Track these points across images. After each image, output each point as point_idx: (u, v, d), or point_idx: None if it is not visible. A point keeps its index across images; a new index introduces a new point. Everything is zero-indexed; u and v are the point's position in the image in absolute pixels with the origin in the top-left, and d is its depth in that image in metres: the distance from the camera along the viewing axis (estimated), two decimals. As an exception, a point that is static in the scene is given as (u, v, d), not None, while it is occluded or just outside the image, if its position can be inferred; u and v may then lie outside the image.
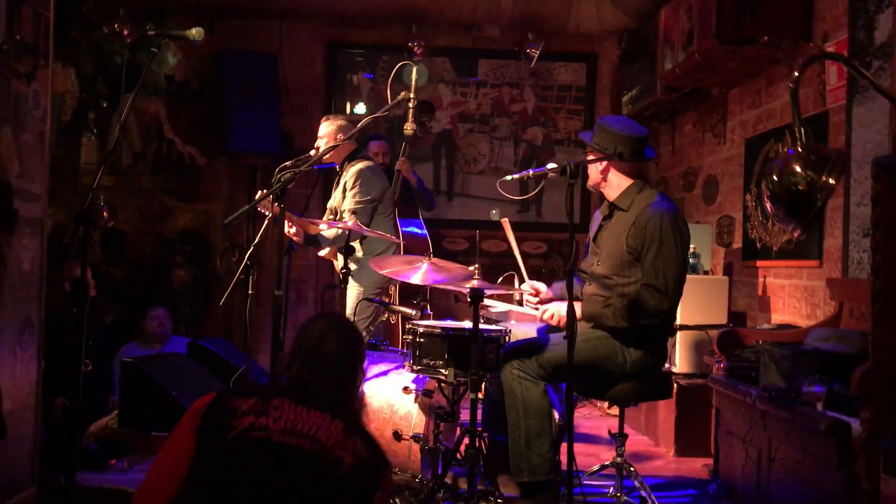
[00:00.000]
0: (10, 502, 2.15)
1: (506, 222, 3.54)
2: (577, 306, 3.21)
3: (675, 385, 4.57)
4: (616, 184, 3.34)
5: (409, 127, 3.18)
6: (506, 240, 3.59)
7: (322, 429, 1.80)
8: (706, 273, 4.95)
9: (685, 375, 4.68)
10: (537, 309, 3.36)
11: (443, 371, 3.28)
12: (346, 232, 4.28)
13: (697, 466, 4.32)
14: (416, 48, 6.59)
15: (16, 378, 2.12)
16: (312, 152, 4.52)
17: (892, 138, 2.70)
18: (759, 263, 4.91)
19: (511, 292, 3.39)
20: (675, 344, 4.75)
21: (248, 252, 4.59)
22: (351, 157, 4.71)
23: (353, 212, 4.38)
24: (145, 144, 6.85)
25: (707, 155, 5.86)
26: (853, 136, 3.96)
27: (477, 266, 3.14)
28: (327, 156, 4.68)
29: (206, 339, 5.99)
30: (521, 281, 3.62)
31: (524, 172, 3.24)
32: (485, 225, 6.80)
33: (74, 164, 6.80)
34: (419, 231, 5.61)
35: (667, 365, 4.69)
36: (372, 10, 6.81)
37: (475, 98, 7.28)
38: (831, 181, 1.98)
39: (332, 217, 4.82)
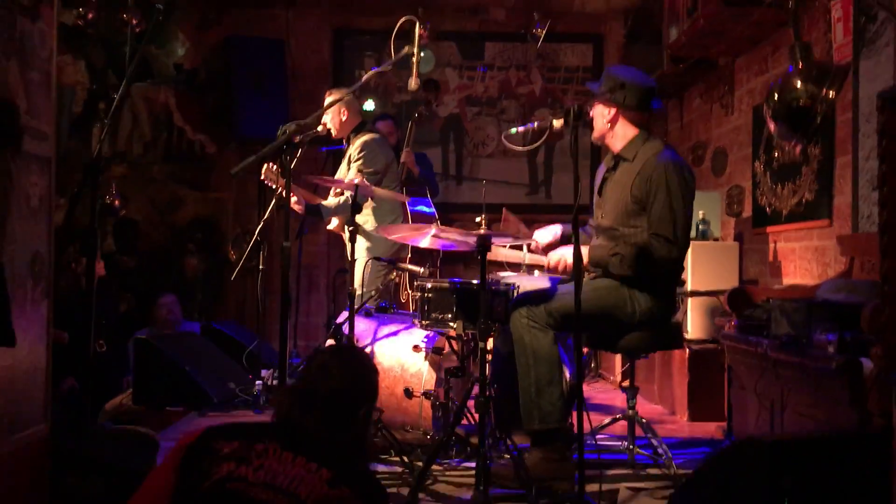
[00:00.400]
0: (23, 435, 2.17)
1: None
2: (584, 251, 3.21)
3: (688, 350, 4.56)
4: (622, 134, 3.34)
5: (413, 82, 3.19)
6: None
7: (304, 482, 1.63)
8: (716, 240, 4.93)
9: (698, 341, 4.66)
10: (545, 258, 3.36)
11: (452, 324, 3.28)
12: (349, 202, 4.32)
13: (711, 429, 4.30)
14: (422, 30, 6.60)
15: (27, 312, 2.14)
16: (319, 128, 4.56)
17: (895, 70, 2.70)
18: (769, 229, 4.90)
19: (518, 241, 3.38)
20: (686, 311, 4.74)
21: (259, 228, 4.63)
22: (357, 131, 4.75)
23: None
24: (156, 133, 6.91)
25: (715, 127, 5.85)
26: (860, 91, 3.93)
27: (483, 216, 3.14)
28: (336, 130, 4.73)
29: (219, 322, 6.05)
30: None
31: (528, 125, 3.26)
32: (495, 208, 6.80)
33: (87, 155, 6.87)
34: (427, 210, 5.63)
35: (676, 318, 4.72)
36: (377, -4, 6.87)
37: (482, 81, 7.30)
38: (832, 94, 1.98)
39: (338, 191, 4.85)
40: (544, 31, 6.81)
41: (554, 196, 7.28)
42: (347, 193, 4.31)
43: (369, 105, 7.22)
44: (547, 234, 3.53)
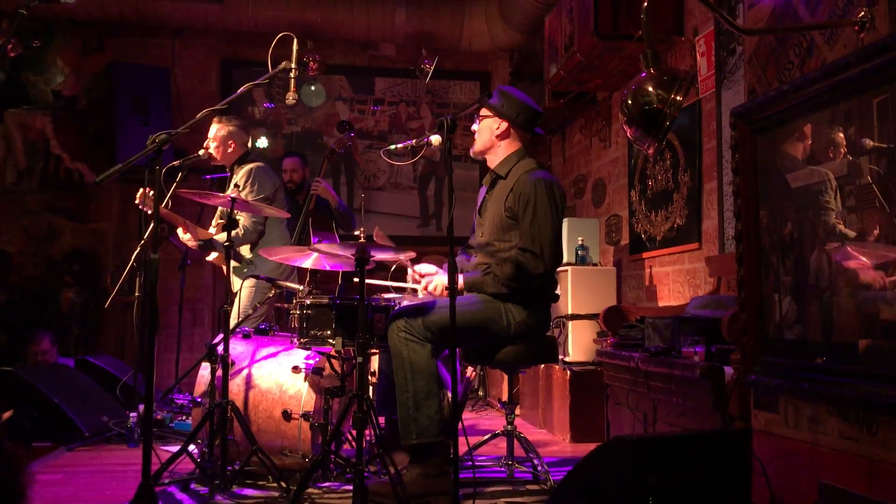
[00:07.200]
0: None
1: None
2: (459, 278, 3.28)
3: (569, 372, 4.65)
4: (503, 150, 3.45)
5: (290, 97, 3.18)
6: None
7: None
8: (595, 265, 5.08)
9: (578, 363, 4.76)
10: (420, 285, 3.40)
11: (331, 341, 3.25)
12: (240, 234, 4.26)
13: (592, 448, 4.36)
14: (311, 62, 6.64)
15: None
16: (201, 152, 4.49)
17: (746, 90, 2.88)
18: (644, 255, 5.08)
19: (399, 258, 3.39)
20: (567, 334, 4.84)
21: (135, 254, 4.47)
22: (241, 160, 4.70)
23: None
24: (31, 161, 6.63)
25: (595, 160, 6.06)
26: (723, 120, 4.18)
27: (362, 229, 3.15)
28: (218, 158, 4.67)
29: (94, 356, 5.80)
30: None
31: (407, 142, 3.30)
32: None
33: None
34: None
35: (560, 356, 4.82)
36: (266, 28, 6.84)
37: (373, 115, 7.36)
38: (679, 98, 2.09)
39: (221, 220, 4.77)
40: (433, 67, 6.94)
41: (445, 228, 7.34)
42: (241, 219, 4.25)
43: (263, 142, 7.16)
44: (428, 267, 3.56)
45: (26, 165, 6.60)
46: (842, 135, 2.25)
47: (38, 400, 4.58)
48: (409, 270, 3.57)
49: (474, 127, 3.54)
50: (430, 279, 3.39)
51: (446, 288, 3.30)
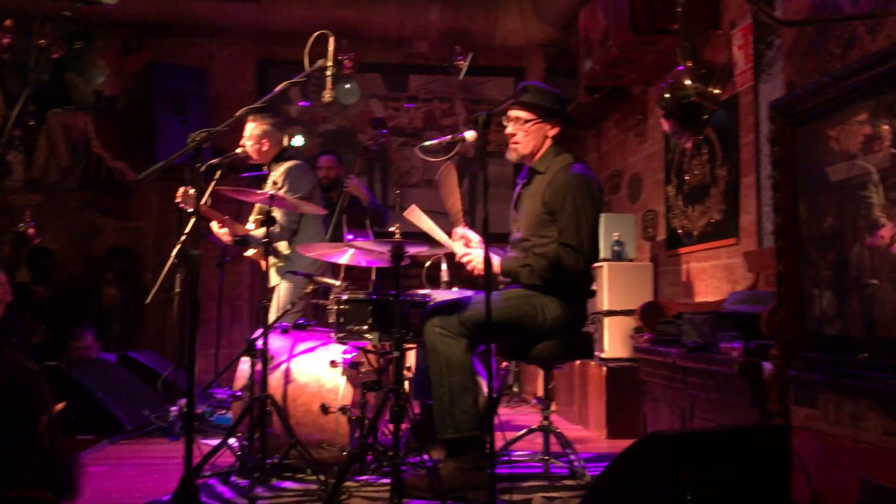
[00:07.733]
0: None
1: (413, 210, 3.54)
2: (496, 260, 3.27)
3: (605, 368, 4.64)
4: (542, 147, 3.43)
5: (326, 94, 3.21)
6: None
7: None
8: (630, 261, 5.05)
9: (615, 360, 4.74)
10: (462, 249, 3.36)
11: (368, 336, 3.27)
12: (276, 230, 4.30)
13: (628, 444, 4.35)
14: (345, 60, 6.66)
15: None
16: (239, 150, 4.54)
17: (785, 83, 2.85)
18: (681, 250, 5.04)
19: (432, 252, 3.40)
20: (603, 331, 4.82)
21: (175, 250, 4.53)
22: (278, 158, 4.74)
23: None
24: (73, 160, 6.77)
25: (630, 155, 6.03)
26: (760, 114, 4.14)
27: (398, 226, 3.17)
28: (254, 156, 4.72)
29: (135, 352, 5.91)
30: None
31: (442, 138, 3.31)
32: (422, 236, 6.85)
33: (1, 183, 6.68)
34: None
35: (596, 352, 4.80)
36: (301, 27, 6.89)
37: (407, 112, 7.39)
38: (717, 91, 2.08)
39: (258, 216, 4.81)
40: (467, 64, 6.93)
41: (478, 225, 7.34)
42: (277, 213, 4.26)
43: (299, 140, 7.21)
44: (474, 235, 3.50)
45: (68, 164, 6.74)
46: (886, 127, 2.22)
47: (81, 394, 4.68)
48: (458, 230, 3.47)
49: (511, 128, 3.47)
50: (469, 252, 3.35)
51: (479, 267, 3.25)
